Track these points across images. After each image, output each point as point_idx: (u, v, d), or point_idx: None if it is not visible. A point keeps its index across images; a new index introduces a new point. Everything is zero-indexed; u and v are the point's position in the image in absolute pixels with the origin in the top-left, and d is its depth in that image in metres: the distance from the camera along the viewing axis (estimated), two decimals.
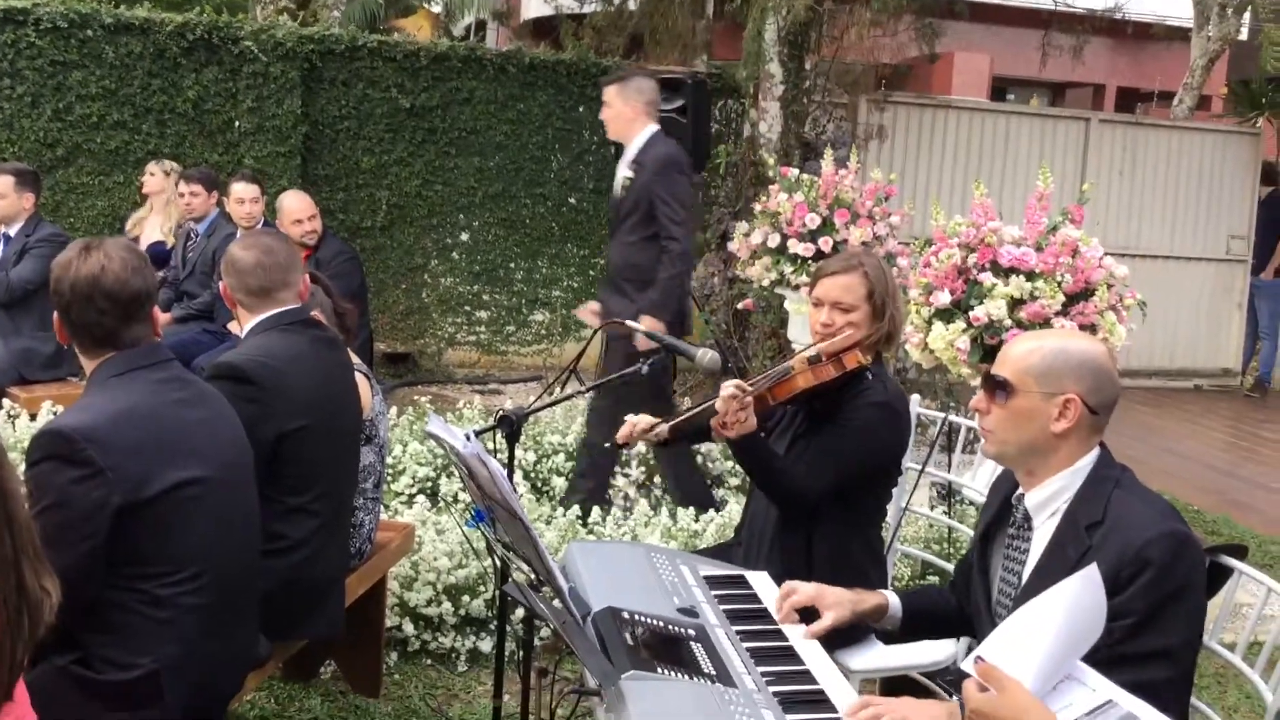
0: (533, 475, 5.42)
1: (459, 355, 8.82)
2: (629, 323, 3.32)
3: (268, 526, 2.77)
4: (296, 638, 3.02)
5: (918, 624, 2.54)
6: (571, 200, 8.87)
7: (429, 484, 5.19)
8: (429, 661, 3.93)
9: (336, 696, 3.67)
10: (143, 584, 2.31)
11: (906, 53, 9.18)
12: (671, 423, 3.11)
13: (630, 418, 3.13)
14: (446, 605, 3.92)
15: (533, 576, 2.22)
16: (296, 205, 5.73)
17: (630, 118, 4.84)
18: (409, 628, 3.90)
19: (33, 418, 4.98)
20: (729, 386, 2.86)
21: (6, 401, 5.23)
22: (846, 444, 2.95)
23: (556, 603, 2.14)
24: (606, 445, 4.35)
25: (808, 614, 2.40)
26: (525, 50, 8.94)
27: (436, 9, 20.88)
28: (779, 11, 7.22)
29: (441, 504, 4.85)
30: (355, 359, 3.30)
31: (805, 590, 2.42)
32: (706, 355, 2.92)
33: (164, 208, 6.82)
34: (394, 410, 5.63)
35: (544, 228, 8.83)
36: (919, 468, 3.56)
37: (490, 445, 4.07)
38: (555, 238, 8.86)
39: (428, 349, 8.72)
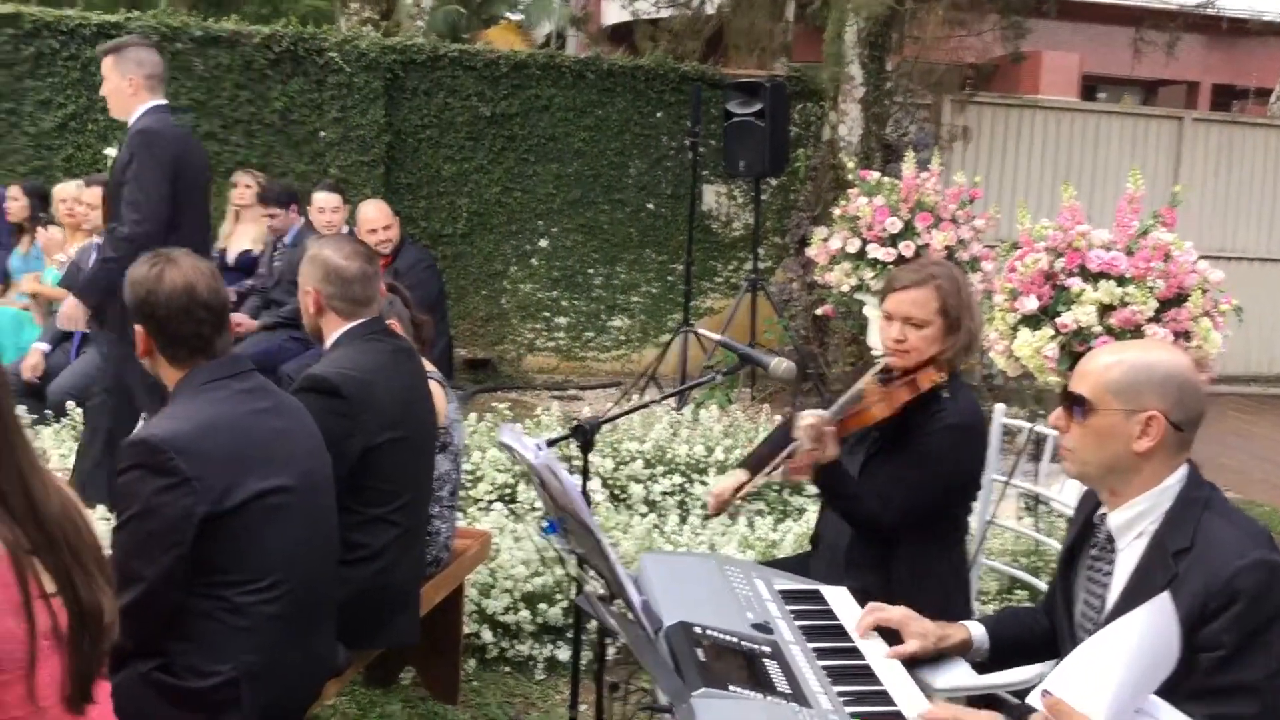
0: (610, 483, 5.41)
1: (538, 361, 8.87)
2: (704, 331, 3.29)
3: (347, 536, 2.80)
4: (374, 646, 3.04)
5: (1006, 652, 2.45)
6: (649, 206, 8.87)
7: (507, 490, 5.21)
8: (507, 669, 3.94)
9: (416, 702, 3.70)
10: (224, 592, 2.34)
11: (992, 52, 9.01)
12: (755, 478, 3.05)
13: (713, 489, 3.09)
14: (524, 613, 3.93)
15: (605, 589, 2.20)
16: (374, 214, 5.81)
17: (129, 93, 4.39)
18: (487, 635, 3.92)
19: None
20: (807, 417, 2.81)
21: None
22: (921, 471, 2.86)
23: (628, 616, 2.12)
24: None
25: (888, 635, 2.34)
26: (603, 56, 8.96)
27: (518, 18, 21.08)
28: (859, 13, 7.13)
29: (518, 512, 4.86)
30: (429, 366, 3.32)
31: (891, 613, 2.36)
32: (781, 364, 2.88)
33: (253, 218, 6.96)
34: (472, 416, 5.67)
35: (622, 233, 8.84)
36: (1004, 479, 3.47)
37: (565, 454, 4.08)
38: (633, 243, 8.87)
39: (507, 355, 8.78)
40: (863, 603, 2.83)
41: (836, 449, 2.84)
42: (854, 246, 5.73)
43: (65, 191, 6.39)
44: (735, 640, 2.14)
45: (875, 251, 5.63)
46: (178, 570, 2.28)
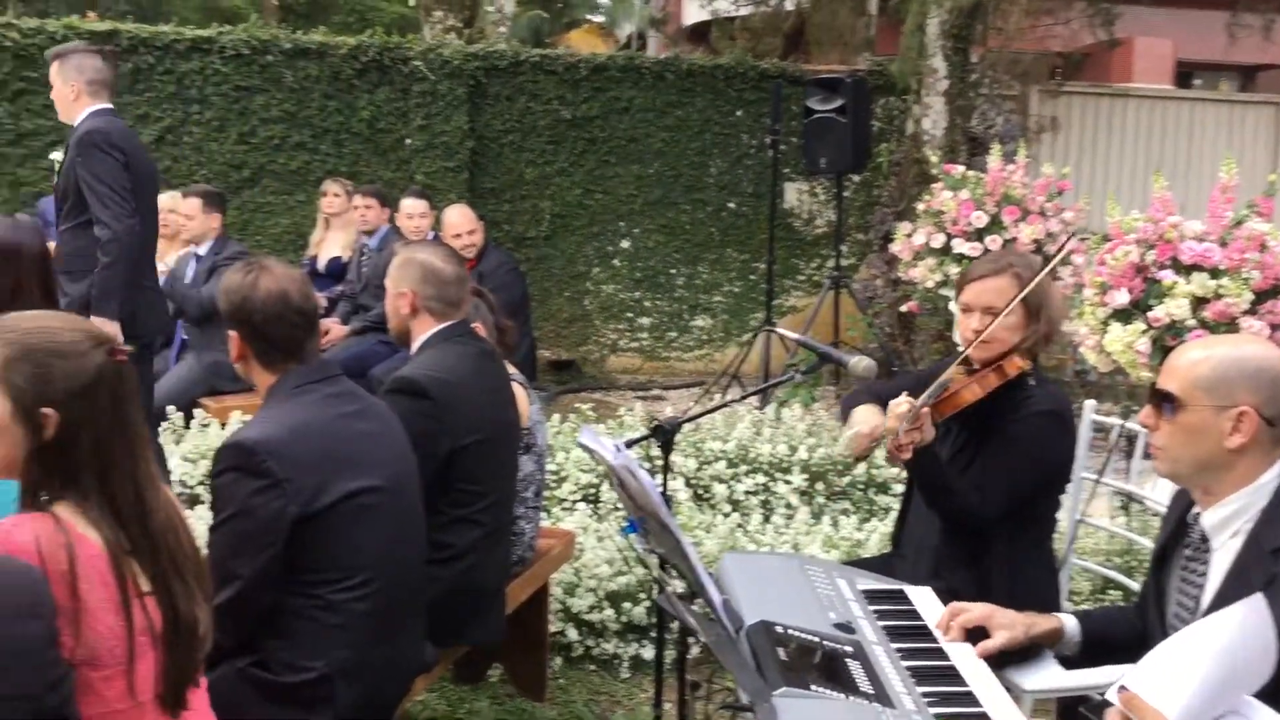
0: (694, 482, 5.42)
1: (621, 362, 8.91)
2: (783, 331, 3.28)
3: (434, 536, 2.86)
4: (461, 643, 3.10)
5: (1097, 648, 2.41)
6: (731, 205, 8.86)
7: (591, 491, 5.25)
8: (592, 667, 3.97)
9: (503, 699, 3.75)
10: (316, 590, 2.41)
11: (1079, 41, 8.81)
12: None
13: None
14: (608, 611, 3.96)
15: (686, 588, 2.22)
16: (457, 220, 5.90)
17: (71, 98, 4.41)
18: (572, 633, 3.96)
19: (222, 426, 5.27)
20: (900, 406, 2.78)
21: (199, 412, 5.55)
22: (1018, 460, 2.81)
23: (709, 615, 2.13)
24: None
25: (976, 635, 2.31)
26: (683, 56, 8.98)
27: (600, 19, 21.22)
28: (941, 4, 7.04)
29: (601, 512, 4.90)
30: (512, 369, 3.37)
31: (976, 610, 2.33)
32: (861, 362, 2.86)
33: (342, 225, 7.11)
34: (555, 417, 5.72)
35: (704, 233, 8.84)
36: (1095, 477, 3.40)
37: (647, 454, 4.09)
38: (715, 243, 8.87)
39: (591, 356, 8.84)
40: (950, 601, 2.81)
41: (933, 431, 2.80)
42: (938, 242, 5.65)
43: (162, 202, 6.60)
44: (817, 640, 2.14)
45: (960, 246, 5.55)
46: (272, 569, 2.35)
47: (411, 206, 6.16)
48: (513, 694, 3.76)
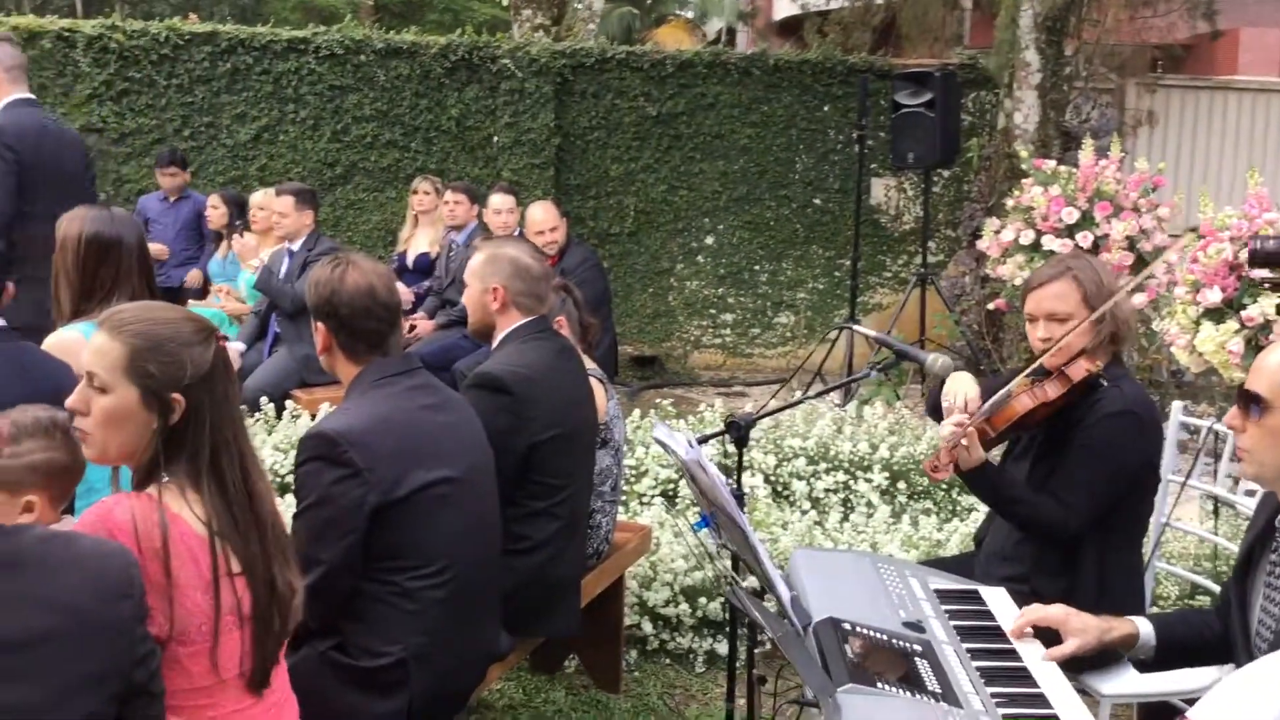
0: (772, 479, 5.41)
1: (704, 358, 8.92)
2: (859, 328, 3.26)
3: (511, 528, 2.91)
4: (537, 634, 3.14)
5: (1174, 653, 2.36)
6: (817, 201, 8.80)
7: (670, 486, 5.27)
8: (667, 661, 4.00)
9: (579, 690, 3.80)
10: (394, 577, 2.47)
11: (1179, 33, 8.56)
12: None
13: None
14: (684, 606, 3.98)
15: (757, 584, 2.23)
16: (540, 216, 5.96)
17: None
18: (648, 626, 3.99)
19: (312, 418, 5.40)
20: (946, 424, 2.76)
21: (290, 403, 5.70)
22: (1094, 465, 2.76)
23: (777, 611, 2.14)
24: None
25: (1050, 639, 2.28)
26: (769, 52, 8.94)
27: (689, 15, 21.21)
28: None
29: (679, 506, 4.92)
30: (590, 364, 3.41)
31: (1050, 612, 2.30)
32: (938, 361, 2.83)
33: (430, 221, 7.23)
34: (635, 413, 5.76)
35: (788, 229, 8.80)
36: (1181, 480, 3.31)
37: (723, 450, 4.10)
38: (800, 239, 8.82)
39: (674, 352, 8.86)
40: (1030, 604, 2.77)
41: (981, 452, 2.77)
42: (1028, 238, 5.55)
43: (255, 200, 6.80)
44: (885, 638, 2.13)
45: (1050, 243, 5.44)
46: (352, 556, 2.42)
47: (498, 202, 6.25)
48: (588, 685, 3.81)
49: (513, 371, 2.94)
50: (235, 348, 6.06)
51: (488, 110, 8.37)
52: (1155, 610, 3.89)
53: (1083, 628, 2.26)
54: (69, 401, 1.97)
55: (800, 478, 5.39)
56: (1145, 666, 2.49)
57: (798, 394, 6.26)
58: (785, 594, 2.22)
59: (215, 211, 7.14)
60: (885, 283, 8.99)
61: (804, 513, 4.68)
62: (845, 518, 4.82)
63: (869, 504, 5.22)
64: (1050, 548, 2.85)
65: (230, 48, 8.13)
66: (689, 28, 19.05)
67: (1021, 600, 2.77)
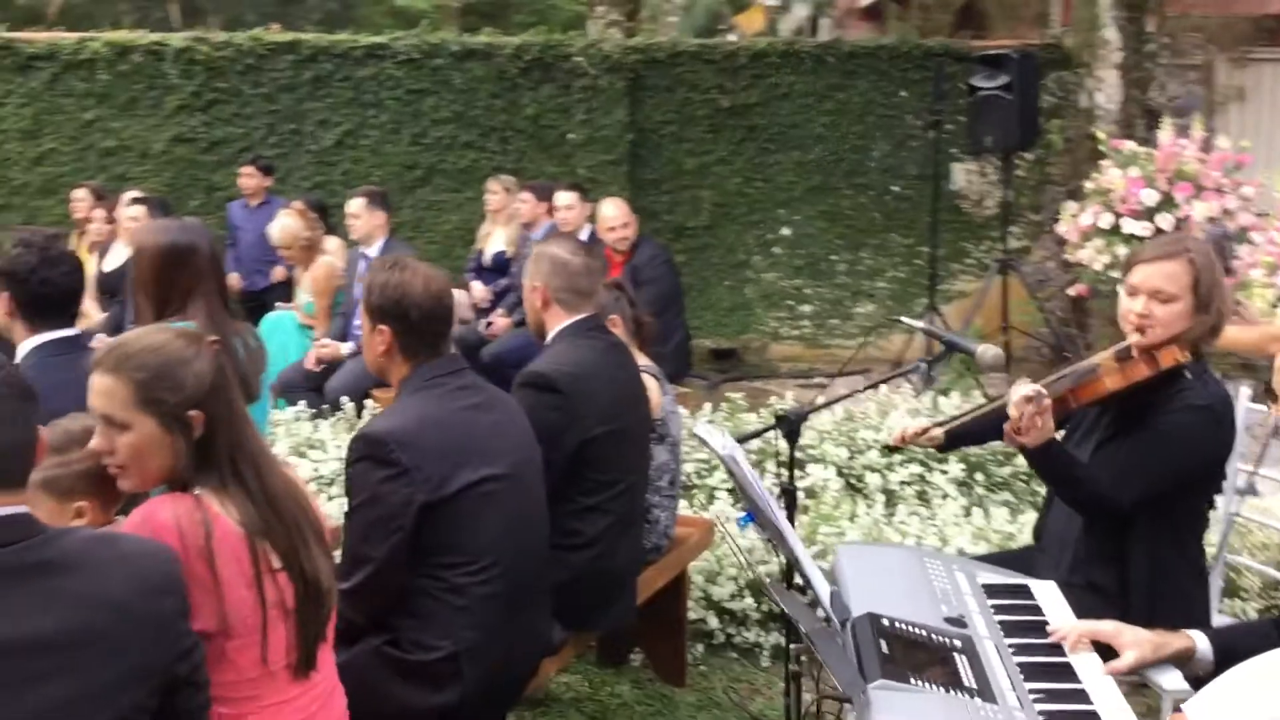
0: (845, 472, 5.37)
1: (783, 350, 8.87)
2: (907, 320, 3.23)
3: (564, 523, 2.96)
4: (591, 628, 3.19)
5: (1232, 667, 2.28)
6: (895, 189, 8.68)
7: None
8: (734, 655, 4.01)
9: (644, 683, 3.83)
10: (444, 573, 2.53)
11: (1272, 4, 8.23)
12: (948, 427, 2.99)
13: (902, 423, 3.04)
14: (749, 600, 3.99)
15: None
16: (611, 213, 6.01)
17: None
18: (713, 621, 4.00)
19: None
20: (1022, 388, 2.69)
21: (370, 403, 5.83)
22: (1159, 452, 2.68)
23: (812, 605, 2.14)
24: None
25: (1105, 654, 2.23)
26: (843, 39, 8.85)
27: (772, 2, 21.02)
28: None
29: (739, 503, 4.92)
30: (645, 361, 3.43)
31: (1101, 627, 2.25)
32: (989, 352, 2.79)
33: (505, 220, 7.34)
34: (707, 406, 5.76)
35: (866, 218, 8.71)
36: (1250, 469, 3.21)
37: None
38: (878, 228, 8.72)
39: (752, 344, 8.84)
40: (1093, 601, 2.72)
41: (1053, 426, 2.71)
42: (1106, 222, 5.41)
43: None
44: (924, 633, 2.12)
45: (1130, 226, 5.30)
46: (401, 553, 2.48)
47: (563, 199, 6.31)
48: (653, 678, 3.84)
49: (561, 370, 2.98)
50: (347, 348, 6.14)
51: (562, 108, 8.44)
52: (1232, 604, 3.77)
53: (1136, 641, 2.20)
54: (93, 445, 2.04)
55: (874, 470, 5.34)
56: (1201, 684, 2.41)
57: (884, 387, 6.21)
58: (823, 589, 2.23)
59: None
60: (968, 270, 8.82)
61: (869, 506, 4.63)
62: (921, 511, 4.76)
63: (945, 497, 5.15)
64: (1107, 541, 2.79)
65: (312, 56, 8.34)
66: (767, 14, 18.88)
67: (1077, 595, 2.72)
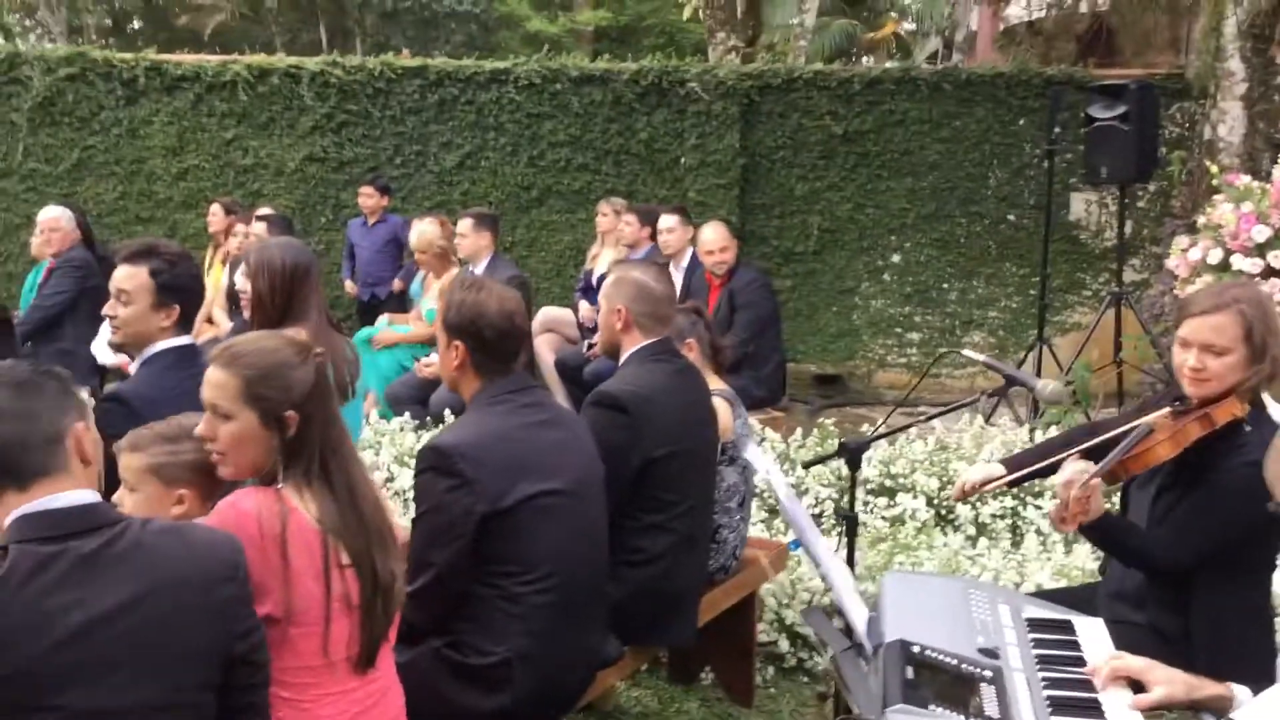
0: (936, 502, 5.34)
1: (889, 377, 8.82)
2: (967, 352, 3.24)
3: (627, 540, 3.06)
4: (651, 644, 3.27)
5: None
6: (1010, 217, 8.57)
7: (830, 503, 5.28)
8: (805, 679, 4.03)
9: (713, 702, 3.88)
10: (502, 581, 2.65)
11: None
12: (1011, 477, 3.00)
13: (964, 474, 3.07)
14: None
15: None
16: (711, 236, 6.09)
17: None
18: (784, 644, 4.04)
19: None
20: (1068, 472, 2.71)
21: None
22: (1219, 511, 2.66)
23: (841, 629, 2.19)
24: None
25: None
26: (961, 66, 8.79)
27: (909, 28, 20.85)
28: (1238, 2, 6.53)
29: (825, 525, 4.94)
30: (719, 384, 3.51)
31: (1132, 662, 2.24)
32: (1048, 386, 2.80)
33: (615, 242, 7.49)
34: (799, 431, 5.79)
35: (980, 247, 8.61)
36: None
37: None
38: (992, 257, 8.61)
39: (858, 371, 8.81)
40: (1155, 643, 2.69)
41: (1102, 506, 2.72)
42: (1215, 257, 5.27)
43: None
44: (953, 662, 2.15)
45: (1240, 262, 5.15)
46: (462, 560, 2.61)
47: (664, 222, 6.43)
48: (722, 698, 3.89)
49: (629, 391, 3.08)
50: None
51: (675, 133, 8.58)
52: None
53: (1168, 679, 2.19)
54: (198, 430, 2.25)
55: (966, 502, 5.29)
56: None
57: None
58: (858, 615, 2.28)
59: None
60: (1085, 301, 8.64)
61: (960, 538, 4.60)
62: (1015, 545, 4.71)
63: (1037, 531, 5.08)
64: (1168, 587, 2.76)
65: (438, 80, 8.66)
66: (895, 24, 18.78)
67: (1140, 636, 2.70)
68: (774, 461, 2.49)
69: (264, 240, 4.57)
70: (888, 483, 5.40)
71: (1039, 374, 7.25)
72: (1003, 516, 5.07)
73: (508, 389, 2.77)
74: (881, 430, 3.27)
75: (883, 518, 5.12)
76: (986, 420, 6.67)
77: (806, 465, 4.03)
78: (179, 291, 3.00)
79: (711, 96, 8.46)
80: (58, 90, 8.57)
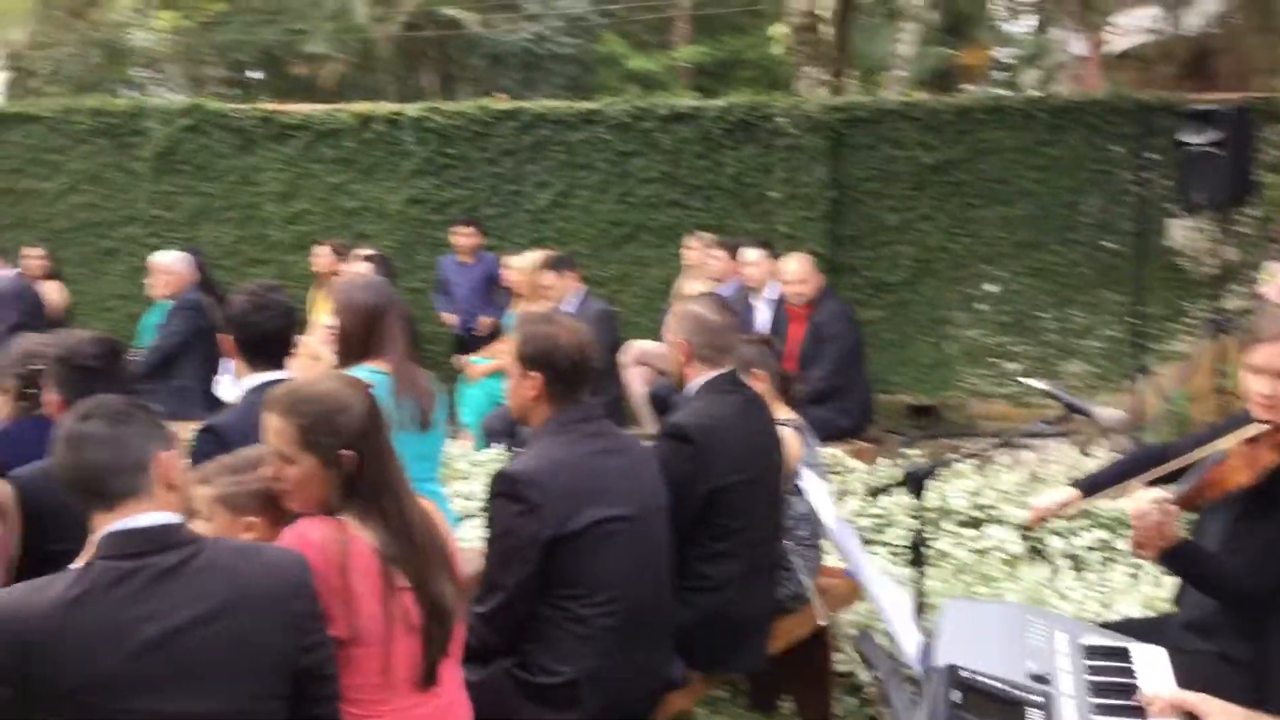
0: (1027, 534, 5.28)
1: (985, 408, 8.71)
2: (1031, 381, 3.24)
3: (693, 567, 3.14)
4: (718, 670, 3.32)
5: None
6: (1108, 244, 8.42)
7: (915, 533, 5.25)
8: (887, 709, 4.02)
9: None
10: (568, 603, 2.76)
11: None
12: (1090, 499, 2.99)
13: (1035, 501, 3.07)
14: None
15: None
16: (791, 269, 6.16)
17: None
18: (864, 674, 4.05)
19: None
20: (1145, 502, 2.70)
21: None
22: None
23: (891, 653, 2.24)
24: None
25: None
26: (1054, 93, 8.70)
27: (1011, 57, 20.64)
28: None
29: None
30: (788, 414, 3.57)
31: (1188, 696, 2.23)
32: (1107, 413, 2.80)
33: (701, 276, 7.59)
34: (883, 461, 5.79)
35: (1076, 274, 8.47)
36: None
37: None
38: (1089, 284, 8.46)
39: (953, 401, 8.72)
40: (1224, 671, 2.67)
41: (1178, 533, 2.70)
42: None
43: (513, 262, 7.45)
44: (1002, 686, 2.17)
45: None
46: (530, 582, 2.72)
47: (747, 255, 6.52)
48: None
49: (694, 422, 3.17)
50: None
51: (763, 166, 8.66)
52: None
53: (1226, 711, 2.17)
54: (267, 472, 2.41)
55: (1058, 534, 5.22)
56: None
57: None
58: (909, 639, 2.32)
59: (510, 271, 7.83)
60: (1189, 330, 8.42)
61: (1050, 569, 4.55)
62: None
63: (1134, 564, 4.99)
64: (1241, 610, 2.72)
65: (531, 122, 8.91)
66: (988, 56, 18.61)
67: (1208, 663, 2.68)
68: (824, 489, 2.54)
69: (349, 279, 4.79)
70: (976, 513, 5.37)
71: (1140, 404, 7.11)
72: (1097, 549, 4.99)
73: (575, 418, 2.88)
74: (947, 459, 3.26)
75: (972, 549, 5.09)
76: (1083, 451, 6.57)
77: (872, 493, 4.05)
78: (228, 321, 3.36)
79: (799, 130, 8.53)
80: (177, 140, 9.07)
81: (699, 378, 3.32)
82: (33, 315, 6.74)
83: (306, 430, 2.31)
